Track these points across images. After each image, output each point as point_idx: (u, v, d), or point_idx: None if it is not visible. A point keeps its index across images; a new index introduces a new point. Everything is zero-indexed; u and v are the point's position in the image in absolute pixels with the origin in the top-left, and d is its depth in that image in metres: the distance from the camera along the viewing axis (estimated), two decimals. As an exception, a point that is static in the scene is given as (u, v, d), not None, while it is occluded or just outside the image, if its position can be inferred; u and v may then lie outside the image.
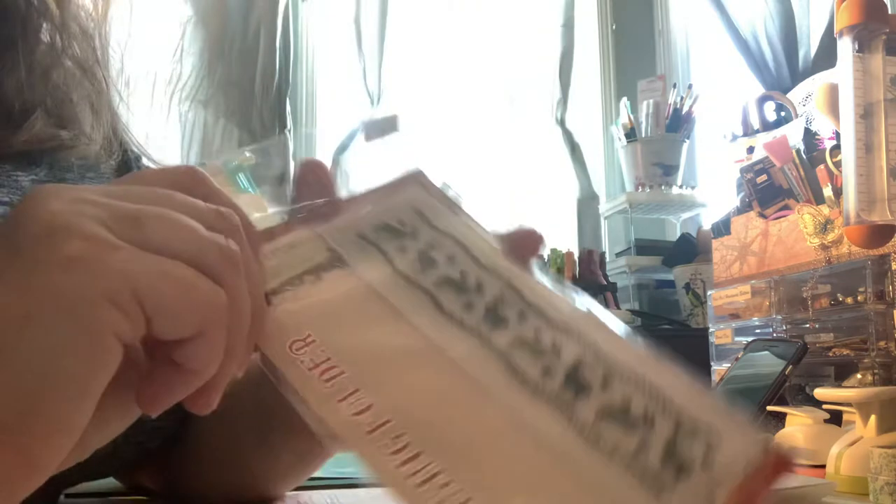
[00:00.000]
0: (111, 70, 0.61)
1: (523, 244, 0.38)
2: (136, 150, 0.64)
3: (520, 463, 0.29)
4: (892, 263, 0.92)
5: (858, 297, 0.96)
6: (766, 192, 1.23)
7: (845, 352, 0.98)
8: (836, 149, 1.06)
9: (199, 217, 0.29)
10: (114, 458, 0.53)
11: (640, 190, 2.26)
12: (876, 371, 0.90)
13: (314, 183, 0.38)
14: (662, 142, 2.25)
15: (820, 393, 0.77)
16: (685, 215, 2.37)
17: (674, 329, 2.08)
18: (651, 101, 2.27)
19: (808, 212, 1.08)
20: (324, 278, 0.34)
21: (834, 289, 1.02)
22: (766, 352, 0.96)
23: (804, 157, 1.18)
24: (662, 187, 2.24)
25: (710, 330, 1.22)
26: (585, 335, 0.34)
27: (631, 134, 2.27)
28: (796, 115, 1.38)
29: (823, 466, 0.69)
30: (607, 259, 2.30)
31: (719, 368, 1.16)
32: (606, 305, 2.08)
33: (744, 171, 1.28)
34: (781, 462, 0.32)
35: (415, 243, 0.37)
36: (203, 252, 0.28)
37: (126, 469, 0.62)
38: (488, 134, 2.46)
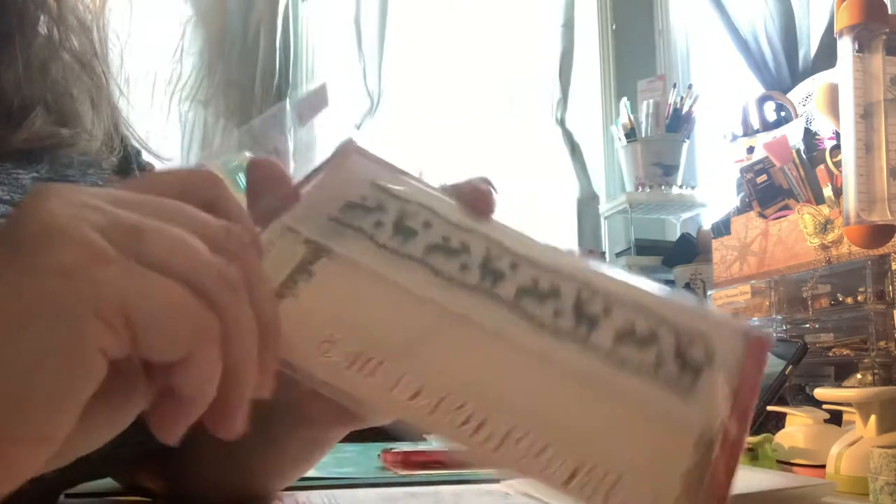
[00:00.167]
0: (110, 64, 0.60)
1: (478, 201, 0.39)
2: (136, 144, 0.63)
3: (572, 401, 0.32)
4: (892, 263, 0.92)
5: (858, 297, 0.96)
6: (766, 192, 1.23)
7: (845, 352, 0.98)
8: (836, 149, 1.06)
9: (206, 234, 0.29)
10: (114, 459, 0.53)
11: (640, 190, 2.26)
12: (876, 371, 0.90)
13: (266, 179, 0.36)
14: (662, 142, 2.25)
15: (820, 393, 0.77)
16: (685, 215, 2.36)
17: (674, 329, 2.07)
18: (651, 101, 2.27)
19: (808, 212, 1.08)
20: (315, 273, 0.34)
21: (834, 289, 1.02)
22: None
23: (804, 157, 1.18)
24: (662, 187, 2.24)
25: (710, 330, 1.21)
26: (574, 273, 0.36)
27: (631, 134, 2.27)
28: (796, 115, 1.38)
29: (823, 466, 0.69)
30: (607, 259, 2.30)
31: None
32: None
33: (744, 171, 1.28)
34: (763, 344, 0.36)
35: (387, 216, 0.37)
36: (200, 274, 0.27)
37: (126, 469, 0.62)
38: (488, 134, 2.46)
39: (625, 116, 2.28)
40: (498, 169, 2.44)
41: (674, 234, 2.37)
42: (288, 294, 0.33)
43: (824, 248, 1.05)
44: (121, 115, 0.61)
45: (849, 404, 0.74)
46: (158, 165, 0.67)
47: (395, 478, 0.75)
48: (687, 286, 2.11)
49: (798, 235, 1.10)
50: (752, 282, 1.16)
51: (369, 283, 0.34)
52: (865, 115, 0.78)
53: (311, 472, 0.60)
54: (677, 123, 2.24)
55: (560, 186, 2.50)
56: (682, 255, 2.14)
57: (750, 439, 0.78)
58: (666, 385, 0.33)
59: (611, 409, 0.32)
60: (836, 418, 0.80)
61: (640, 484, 0.30)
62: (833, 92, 0.91)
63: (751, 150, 1.38)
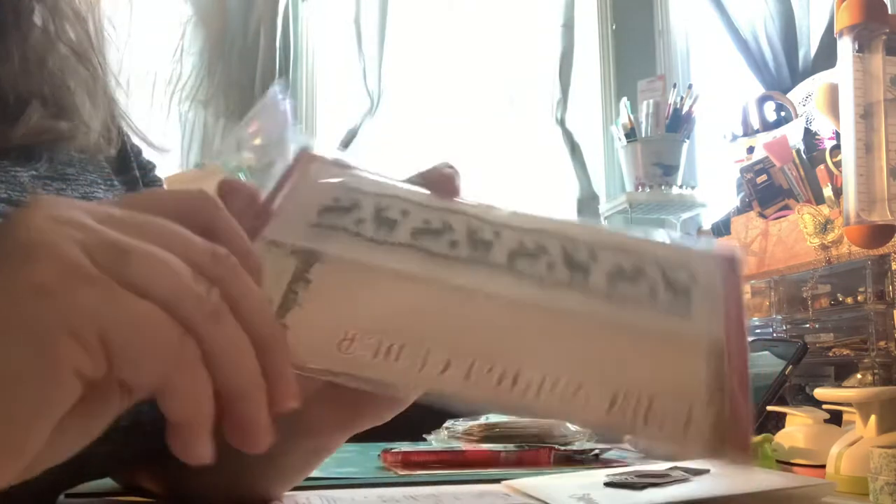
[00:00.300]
0: (106, 54, 0.60)
1: (445, 184, 0.40)
2: (134, 135, 0.63)
3: (590, 342, 0.35)
4: (892, 263, 0.92)
5: (858, 297, 0.96)
6: (766, 192, 1.23)
7: (845, 352, 0.98)
8: (836, 149, 1.06)
9: (193, 258, 0.28)
10: (113, 459, 0.53)
11: (640, 190, 2.26)
12: (876, 371, 0.90)
13: (236, 200, 0.36)
14: (662, 142, 2.25)
15: (820, 393, 0.77)
16: (685, 215, 2.36)
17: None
18: (651, 101, 2.27)
19: (808, 212, 1.08)
20: (312, 279, 0.34)
21: (834, 289, 1.02)
22: (766, 352, 0.96)
23: (804, 157, 1.18)
24: (662, 187, 2.24)
25: (711, 330, 1.21)
26: (551, 230, 0.39)
27: (631, 134, 2.27)
28: (796, 115, 1.38)
29: (823, 466, 0.69)
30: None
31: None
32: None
33: (744, 171, 1.28)
34: (733, 259, 0.39)
35: (364, 212, 0.38)
36: (179, 299, 0.27)
37: (126, 470, 0.62)
38: (488, 134, 2.46)
39: (625, 116, 2.28)
40: (498, 169, 2.44)
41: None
42: (292, 306, 0.33)
43: (824, 248, 1.05)
44: (117, 106, 0.61)
45: (849, 404, 0.74)
46: (157, 158, 0.67)
47: (395, 478, 0.75)
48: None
49: (798, 235, 1.10)
50: (752, 282, 1.16)
51: (368, 276, 0.35)
52: (865, 115, 0.78)
53: (311, 473, 0.60)
54: (677, 123, 2.24)
55: (560, 186, 2.50)
56: (682, 255, 2.14)
57: (750, 439, 0.78)
58: (666, 310, 0.36)
59: (626, 342, 0.35)
60: (836, 418, 0.80)
61: (670, 401, 0.33)
62: (833, 92, 0.91)
63: (751, 150, 1.38)
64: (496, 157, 2.45)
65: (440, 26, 2.49)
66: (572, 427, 0.91)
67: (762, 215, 1.22)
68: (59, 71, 0.56)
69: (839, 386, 0.92)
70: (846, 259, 1.01)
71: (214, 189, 0.34)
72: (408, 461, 0.80)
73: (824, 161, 1.10)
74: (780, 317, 1.09)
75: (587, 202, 2.48)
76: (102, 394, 0.28)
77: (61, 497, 0.58)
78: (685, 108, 2.24)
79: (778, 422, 0.85)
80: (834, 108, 0.89)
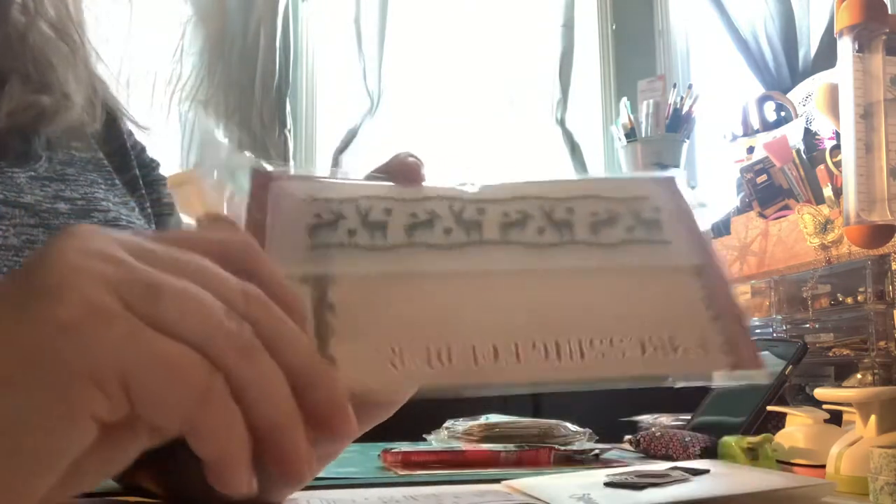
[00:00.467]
0: (85, 27, 0.59)
1: (409, 172, 0.40)
2: (116, 108, 0.62)
3: (601, 293, 0.37)
4: (892, 263, 0.92)
5: (858, 297, 0.96)
6: (766, 192, 1.23)
7: (845, 352, 0.98)
8: (836, 149, 1.06)
9: (226, 295, 0.28)
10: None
11: (640, 190, 2.26)
12: (876, 371, 0.90)
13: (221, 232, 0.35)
14: (662, 142, 2.25)
15: (820, 393, 0.77)
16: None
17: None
18: (651, 101, 2.27)
19: (808, 212, 1.08)
20: (334, 303, 0.34)
21: (834, 289, 1.02)
22: (766, 352, 0.96)
23: (804, 157, 1.18)
24: (662, 187, 2.24)
25: (710, 330, 1.21)
26: (522, 193, 0.40)
27: (631, 134, 2.27)
28: (796, 115, 1.38)
29: (823, 466, 0.69)
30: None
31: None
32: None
33: (744, 171, 1.28)
34: (671, 182, 0.42)
35: (351, 221, 0.38)
36: (211, 337, 0.27)
37: (126, 470, 0.62)
38: (488, 134, 2.46)
39: (625, 116, 2.28)
40: (498, 169, 2.44)
41: (674, 234, 2.37)
42: (329, 335, 0.33)
43: (824, 248, 1.05)
44: (98, 79, 0.60)
45: (849, 404, 0.74)
46: (139, 134, 0.66)
47: (395, 478, 0.75)
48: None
49: (798, 235, 1.10)
50: (752, 282, 1.16)
51: (386, 285, 0.35)
52: (865, 115, 0.78)
53: (311, 473, 0.60)
54: (677, 123, 2.24)
55: (560, 186, 2.50)
56: (682, 255, 2.14)
57: (750, 439, 0.78)
58: (648, 245, 0.39)
59: (629, 283, 0.37)
60: (836, 418, 0.80)
61: (686, 327, 0.35)
62: (833, 92, 0.91)
63: (751, 150, 1.38)
64: (496, 157, 2.45)
65: (440, 26, 2.49)
66: (572, 427, 0.92)
67: (762, 215, 1.22)
68: (39, 47, 0.56)
69: (839, 386, 0.92)
70: (846, 259, 1.01)
71: (189, 195, 0.34)
72: (408, 461, 0.80)
73: (824, 161, 1.10)
74: (780, 317, 1.09)
75: (587, 202, 2.47)
76: (125, 433, 0.27)
77: (61, 497, 0.58)
78: (685, 108, 2.24)
79: (778, 422, 0.85)
80: (834, 108, 0.89)
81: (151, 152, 0.68)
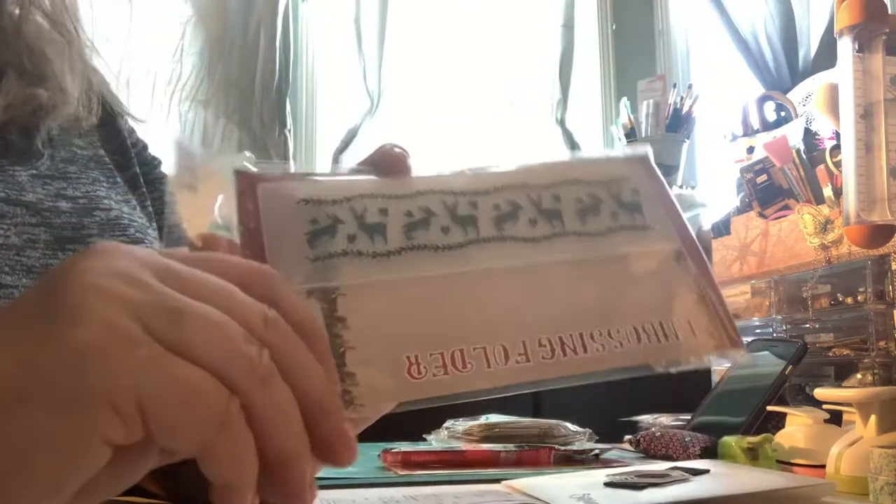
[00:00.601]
0: (81, 19, 0.59)
1: (395, 164, 0.39)
2: (110, 99, 0.62)
3: (598, 283, 0.37)
4: (892, 263, 0.92)
5: (858, 297, 0.96)
6: (766, 192, 1.23)
7: (845, 352, 0.98)
8: (836, 149, 1.06)
9: (246, 319, 0.28)
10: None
11: (640, 190, 2.26)
12: (876, 371, 0.90)
13: (219, 250, 0.35)
14: (662, 142, 2.25)
15: (820, 393, 0.77)
16: (685, 215, 2.36)
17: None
18: (651, 101, 2.27)
19: (808, 212, 1.08)
20: (345, 315, 0.34)
21: (834, 289, 1.02)
22: (766, 352, 0.96)
23: (804, 157, 1.18)
24: (662, 187, 2.24)
25: (711, 330, 1.21)
26: (507, 183, 0.40)
27: (631, 134, 2.26)
28: (796, 115, 1.38)
29: (823, 466, 0.69)
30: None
31: (720, 368, 1.16)
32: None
33: (744, 171, 1.28)
34: (645, 159, 0.43)
35: (349, 225, 0.37)
36: (231, 363, 0.27)
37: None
38: (488, 134, 2.46)
39: (625, 116, 2.28)
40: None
41: (674, 234, 2.36)
42: (345, 349, 0.33)
43: (824, 248, 1.05)
44: (93, 71, 0.60)
45: (849, 404, 0.74)
46: (135, 125, 0.66)
47: (395, 478, 0.75)
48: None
49: (798, 235, 1.10)
50: (752, 282, 1.16)
51: (393, 293, 0.35)
52: (865, 115, 0.78)
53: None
54: (677, 123, 2.24)
55: (560, 186, 2.50)
56: (682, 255, 2.14)
57: (750, 439, 0.78)
58: (632, 229, 0.39)
59: (620, 273, 0.38)
60: (836, 418, 0.80)
61: (675, 312, 0.36)
62: (833, 92, 0.91)
63: (751, 150, 1.38)
64: (496, 158, 2.44)
65: (440, 26, 2.49)
66: (572, 427, 0.92)
67: (762, 215, 1.21)
68: (35, 38, 0.55)
69: (839, 386, 0.92)
70: (846, 259, 1.01)
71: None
72: (408, 461, 0.80)
73: (824, 161, 1.10)
74: (780, 317, 1.09)
75: (587, 202, 2.48)
76: (137, 454, 0.27)
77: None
78: (685, 108, 2.24)
79: (778, 422, 0.85)
80: (834, 108, 0.89)
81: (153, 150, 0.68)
